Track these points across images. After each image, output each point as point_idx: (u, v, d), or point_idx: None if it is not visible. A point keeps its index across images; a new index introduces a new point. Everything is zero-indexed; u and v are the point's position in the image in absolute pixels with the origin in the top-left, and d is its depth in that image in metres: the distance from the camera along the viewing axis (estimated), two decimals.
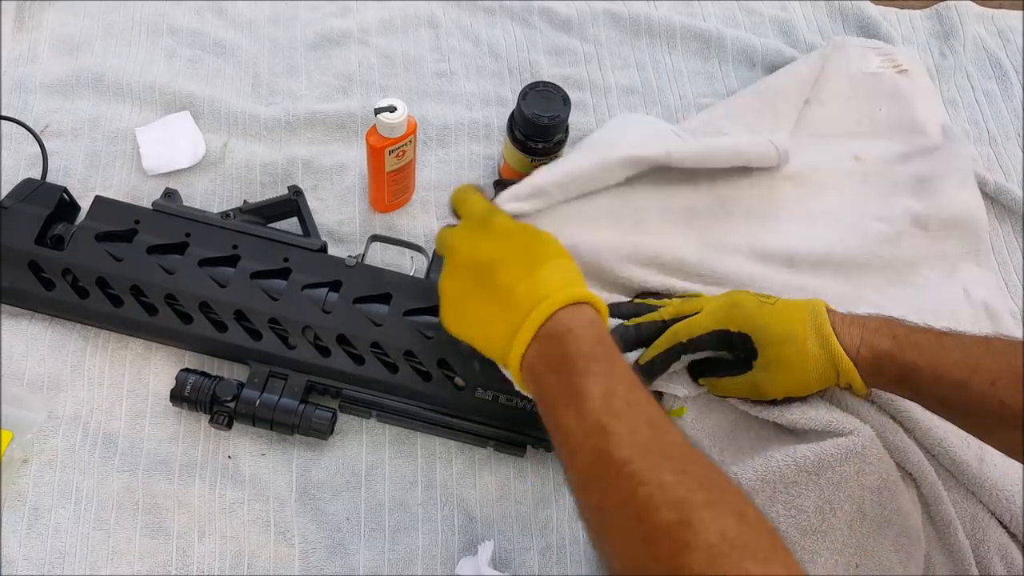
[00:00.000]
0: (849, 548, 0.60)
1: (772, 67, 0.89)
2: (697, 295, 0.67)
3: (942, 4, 0.97)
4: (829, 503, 0.60)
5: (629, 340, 0.64)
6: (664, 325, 0.64)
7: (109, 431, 0.66)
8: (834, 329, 0.59)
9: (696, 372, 0.66)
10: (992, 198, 0.84)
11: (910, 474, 0.64)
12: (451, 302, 0.57)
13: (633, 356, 0.64)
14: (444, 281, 0.57)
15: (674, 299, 0.67)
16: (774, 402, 0.64)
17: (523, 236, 0.57)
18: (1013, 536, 0.65)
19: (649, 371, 0.64)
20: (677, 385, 0.66)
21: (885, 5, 0.97)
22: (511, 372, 0.53)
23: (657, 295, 0.69)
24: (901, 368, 0.57)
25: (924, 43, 0.94)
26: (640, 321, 0.65)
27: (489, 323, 0.54)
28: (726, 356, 0.64)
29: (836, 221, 0.77)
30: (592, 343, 0.50)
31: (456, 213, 0.61)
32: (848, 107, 0.83)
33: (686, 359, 0.64)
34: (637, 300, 0.68)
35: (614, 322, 0.66)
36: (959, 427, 0.58)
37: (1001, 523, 0.65)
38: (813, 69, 0.84)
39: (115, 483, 0.64)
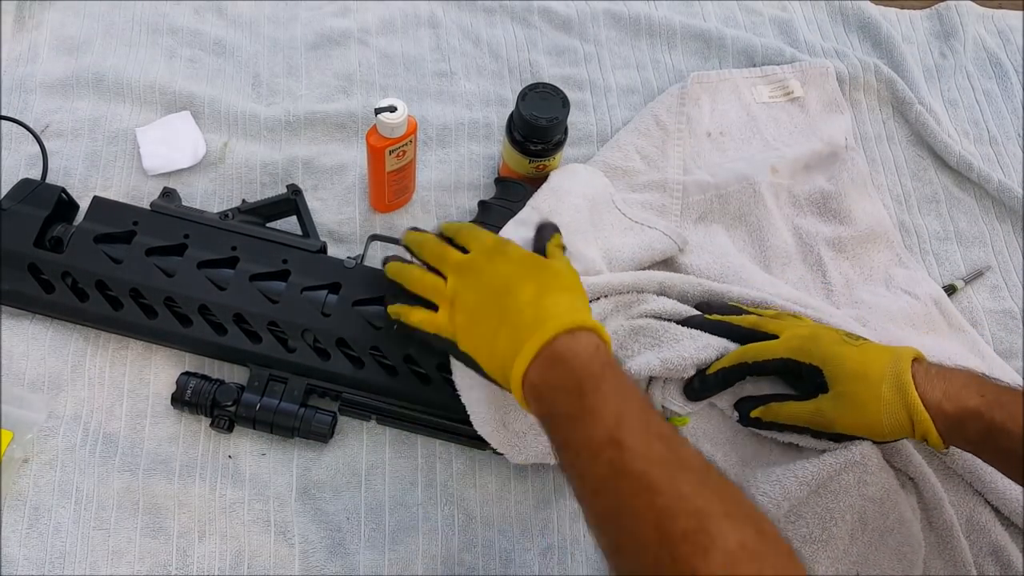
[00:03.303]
0: (850, 557, 0.60)
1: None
2: (789, 315, 0.67)
3: (942, 4, 0.97)
4: (830, 512, 0.60)
5: (695, 325, 0.66)
6: (736, 330, 0.65)
7: (109, 431, 0.66)
8: (915, 379, 0.57)
9: (752, 406, 0.65)
10: (994, 197, 0.84)
11: (910, 479, 0.65)
12: (464, 319, 0.57)
13: (688, 352, 0.64)
14: (459, 299, 0.58)
15: (765, 312, 0.67)
16: (834, 438, 0.62)
17: (537, 264, 0.58)
18: (1012, 528, 0.65)
19: (710, 384, 0.64)
20: (676, 402, 0.66)
21: (885, 5, 0.97)
22: (513, 391, 0.54)
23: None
24: (988, 428, 0.54)
25: (924, 43, 0.94)
26: (717, 318, 0.66)
27: (494, 342, 0.55)
28: (789, 392, 0.64)
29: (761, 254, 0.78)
30: (600, 366, 0.50)
31: (449, 240, 0.62)
32: (751, 134, 0.84)
33: (746, 384, 0.65)
34: (732, 303, 0.69)
35: (689, 310, 0.68)
36: None
37: (1000, 513, 0.65)
38: (678, 103, 0.84)
39: (115, 483, 0.64)
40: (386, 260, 0.64)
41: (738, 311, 0.67)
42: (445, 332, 0.58)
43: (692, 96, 0.83)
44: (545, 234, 0.63)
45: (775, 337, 0.63)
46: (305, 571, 0.63)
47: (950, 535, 0.63)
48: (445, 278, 0.60)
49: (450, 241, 0.62)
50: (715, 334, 0.65)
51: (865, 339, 0.62)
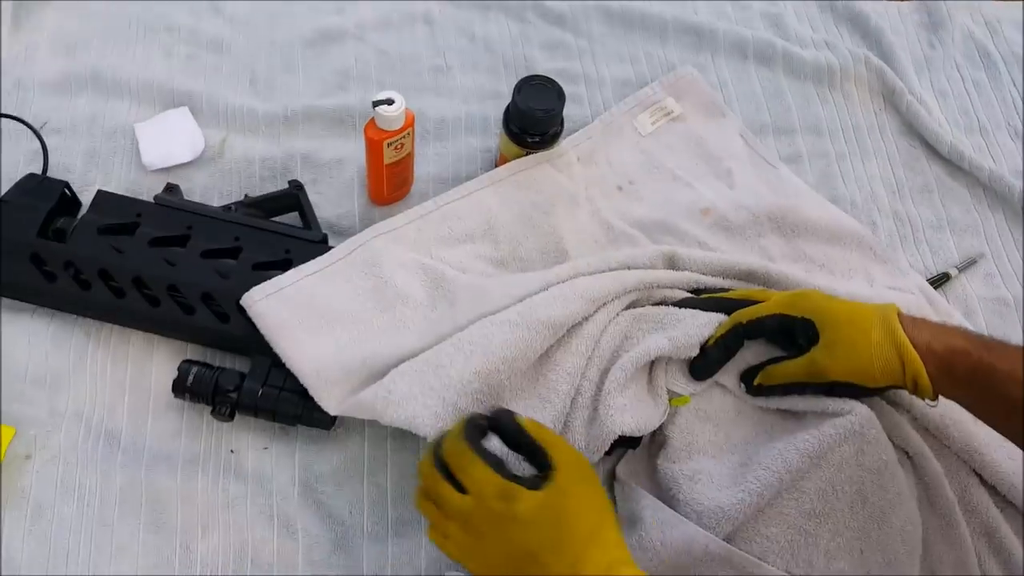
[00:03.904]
0: (850, 531, 0.60)
1: (763, 59, 0.90)
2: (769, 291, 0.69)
3: None
4: (831, 484, 0.60)
5: (689, 305, 0.67)
6: (728, 302, 0.66)
7: (111, 426, 0.66)
8: (902, 324, 0.59)
9: (752, 372, 0.66)
10: (985, 186, 0.85)
11: (908, 457, 0.65)
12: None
13: (692, 329, 0.65)
14: (468, 556, 0.51)
15: (754, 290, 0.69)
16: (830, 392, 0.63)
17: (555, 520, 0.49)
18: (1006, 508, 0.65)
19: (712, 357, 0.65)
20: (678, 383, 0.67)
21: None
22: None
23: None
24: (976, 366, 0.56)
25: (913, 35, 0.95)
26: (709, 296, 0.67)
27: None
28: (783, 355, 0.65)
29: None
30: None
31: (448, 471, 0.52)
32: (656, 172, 0.81)
33: (747, 354, 0.66)
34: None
35: (682, 293, 0.69)
36: (1014, 441, 0.57)
37: (995, 492, 0.65)
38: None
39: (118, 479, 0.64)
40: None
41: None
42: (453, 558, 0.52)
43: (584, 157, 0.80)
44: (510, 426, 0.53)
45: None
46: (309, 565, 0.62)
47: (952, 515, 0.63)
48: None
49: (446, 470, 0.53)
50: (710, 310, 0.66)
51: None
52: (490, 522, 0.49)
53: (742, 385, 0.67)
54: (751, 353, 0.67)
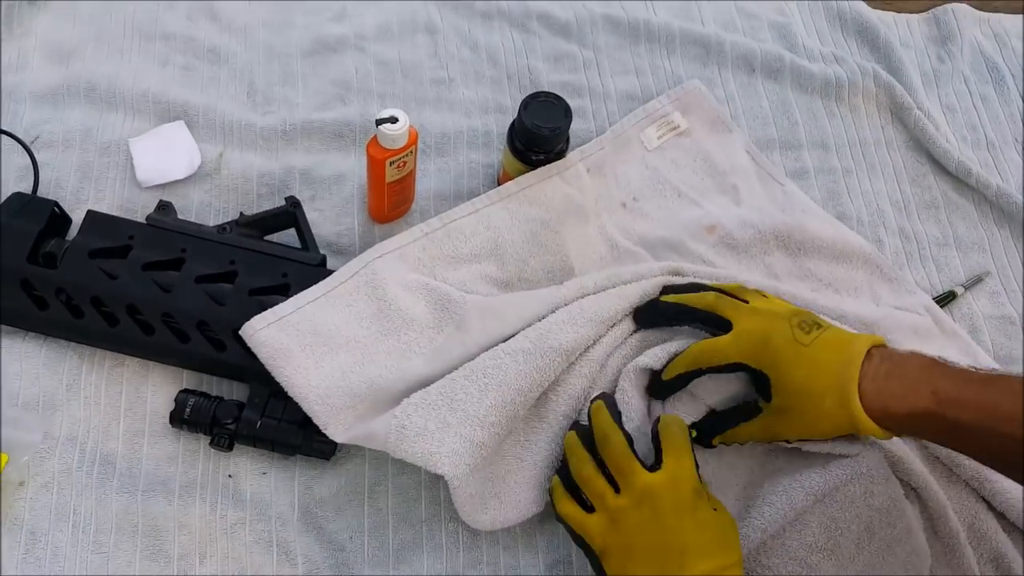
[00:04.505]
0: (856, 566, 0.60)
1: (771, 73, 0.88)
2: (753, 291, 0.65)
3: (939, 8, 0.96)
4: (835, 522, 0.60)
5: (647, 314, 0.67)
6: (690, 312, 0.64)
7: (106, 451, 0.65)
8: (862, 383, 0.56)
9: (709, 429, 0.64)
10: (992, 203, 0.84)
11: (913, 488, 0.64)
12: (620, 550, 0.54)
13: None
14: (625, 526, 0.54)
15: (726, 286, 0.66)
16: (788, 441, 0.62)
17: (721, 527, 0.54)
18: (1014, 533, 0.65)
19: (668, 388, 0.64)
20: (684, 414, 0.66)
21: (883, 9, 0.96)
22: None
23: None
24: (942, 426, 0.54)
25: (922, 47, 0.94)
26: (673, 298, 0.66)
27: None
28: (737, 404, 0.64)
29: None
30: None
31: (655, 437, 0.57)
32: (662, 188, 0.80)
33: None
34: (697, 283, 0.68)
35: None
36: (1010, 477, 0.56)
37: (1004, 519, 0.65)
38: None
39: (113, 505, 0.63)
40: (574, 425, 0.61)
41: (699, 288, 0.66)
42: (590, 541, 0.55)
43: (594, 169, 0.79)
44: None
45: (729, 324, 0.61)
46: None
47: (956, 543, 0.63)
48: (618, 488, 0.55)
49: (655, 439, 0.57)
50: (669, 316, 0.66)
51: (822, 327, 0.59)
52: (671, 501, 0.53)
53: (693, 432, 0.63)
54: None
